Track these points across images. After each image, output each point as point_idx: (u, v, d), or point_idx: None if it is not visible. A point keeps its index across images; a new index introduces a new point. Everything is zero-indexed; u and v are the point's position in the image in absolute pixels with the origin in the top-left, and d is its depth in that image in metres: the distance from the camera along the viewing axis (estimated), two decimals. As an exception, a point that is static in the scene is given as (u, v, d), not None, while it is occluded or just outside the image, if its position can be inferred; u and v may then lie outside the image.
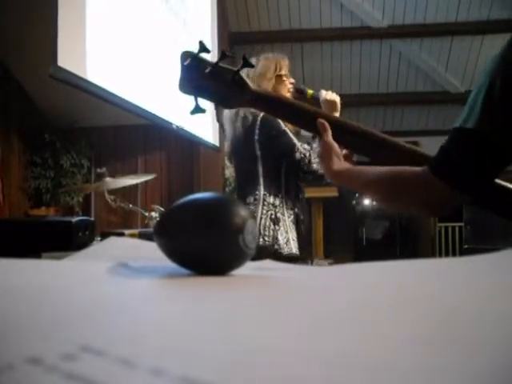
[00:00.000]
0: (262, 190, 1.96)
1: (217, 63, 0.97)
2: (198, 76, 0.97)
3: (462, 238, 3.67)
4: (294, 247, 1.99)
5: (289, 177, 2.02)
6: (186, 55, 0.97)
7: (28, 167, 4.22)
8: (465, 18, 6.10)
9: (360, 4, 6.17)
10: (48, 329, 0.20)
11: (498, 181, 0.88)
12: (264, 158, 1.97)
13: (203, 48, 0.96)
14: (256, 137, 1.95)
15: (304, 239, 2.12)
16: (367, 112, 7.14)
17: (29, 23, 3.27)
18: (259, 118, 1.93)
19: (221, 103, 1.02)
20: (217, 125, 4.50)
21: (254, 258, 0.41)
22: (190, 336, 0.20)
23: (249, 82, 1.02)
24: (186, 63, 0.96)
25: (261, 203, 1.95)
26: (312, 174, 2.00)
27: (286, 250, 1.95)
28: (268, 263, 0.52)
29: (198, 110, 1.00)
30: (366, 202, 7.18)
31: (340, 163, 1.01)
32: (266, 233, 1.94)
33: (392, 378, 0.15)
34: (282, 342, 0.19)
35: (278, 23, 6.42)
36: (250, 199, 1.96)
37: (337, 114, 1.68)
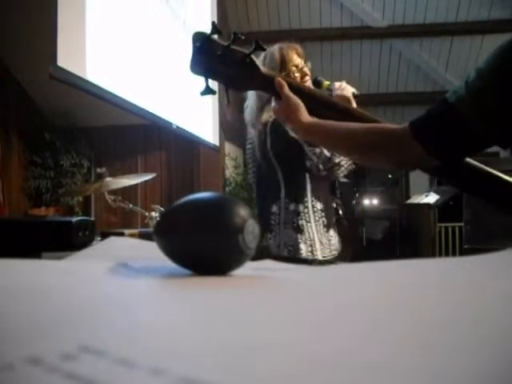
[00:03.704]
0: (283, 198, 1.88)
1: (228, 45, 0.96)
2: (210, 57, 0.97)
3: (462, 238, 3.66)
4: (320, 254, 1.89)
5: (317, 178, 1.89)
6: (198, 36, 0.97)
7: (28, 167, 4.22)
8: (465, 18, 6.10)
9: (360, 4, 6.17)
10: (48, 329, 0.20)
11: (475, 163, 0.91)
12: (281, 166, 1.88)
13: (215, 29, 0.96)
14: (268, 146, 1.87)
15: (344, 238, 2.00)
16: (367, 112, 7.14)
17: (29, 23, 3.27)
18: (268, 126, 1.84)
19: (231, 85, 1.01)
20: (217, 125, 4.50)
21: (254, 258, 0.41)
22: (190, 336, 0.20)
23: (260, 65, 1.01)
24: (197, 44, 0.96)
25: (283, 212, 1.87)
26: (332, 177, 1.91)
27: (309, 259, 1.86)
28: (268, 263, 0.52)
29: (208, 91, 1.00)
30: (366, 201, 7.18)
31: (308, 116, 1.00)
32: (290, 242, 1.85)
33: (392, 377, 0.15)
34: (281, 342, 0.19)
35: (278, 23, 6.42)
36: (274, 209, 1.88)
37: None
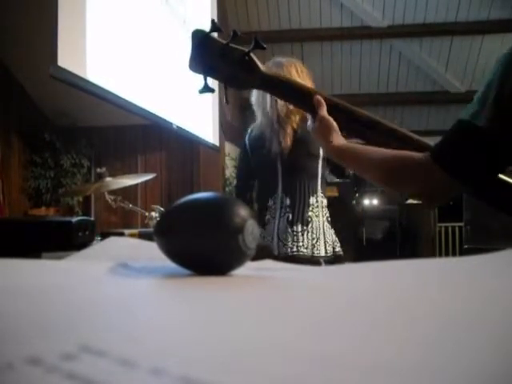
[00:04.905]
0: (320, 192, 1.93)
1: (228, 43, 0.96)
2: (209, 55, 0.96)
3: (462, 238, 3.66)
4: None
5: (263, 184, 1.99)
6: (197, 34, 0.96)
7: (28, 167, 4.22)
8: (465, 18, 6.10)
9: (360, 4, 6.17)
10: (48, 329, 0.20)
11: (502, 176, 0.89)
12: (326, 160, 1.91)
13: (215, 27, 0.95)
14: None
15: None
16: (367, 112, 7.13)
17: (29, 23, 3.27)
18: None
19: (230, 84, 1.00)
20: (217, 125, 4.50)
21: (254, 258, 0.41)
22: (190, 336, 0.20)
23: (259, 63, 1.00)
24: (196, 42, 0.95)
25: (321, 206, 1.92)
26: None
27: (340, 251, 1.96)
28: (268, 263, 0.52)
29: (206, 89, 0.99)
30: (366, 201, 7.17)
31: (340, 138, 0.99)
32: (328, 236, 1.92)
33: (392, 378, 0.15)
34: (281, 342, 0.19)
35: (278, 23, 6.42)
36: (313, 201, 1.91)
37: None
